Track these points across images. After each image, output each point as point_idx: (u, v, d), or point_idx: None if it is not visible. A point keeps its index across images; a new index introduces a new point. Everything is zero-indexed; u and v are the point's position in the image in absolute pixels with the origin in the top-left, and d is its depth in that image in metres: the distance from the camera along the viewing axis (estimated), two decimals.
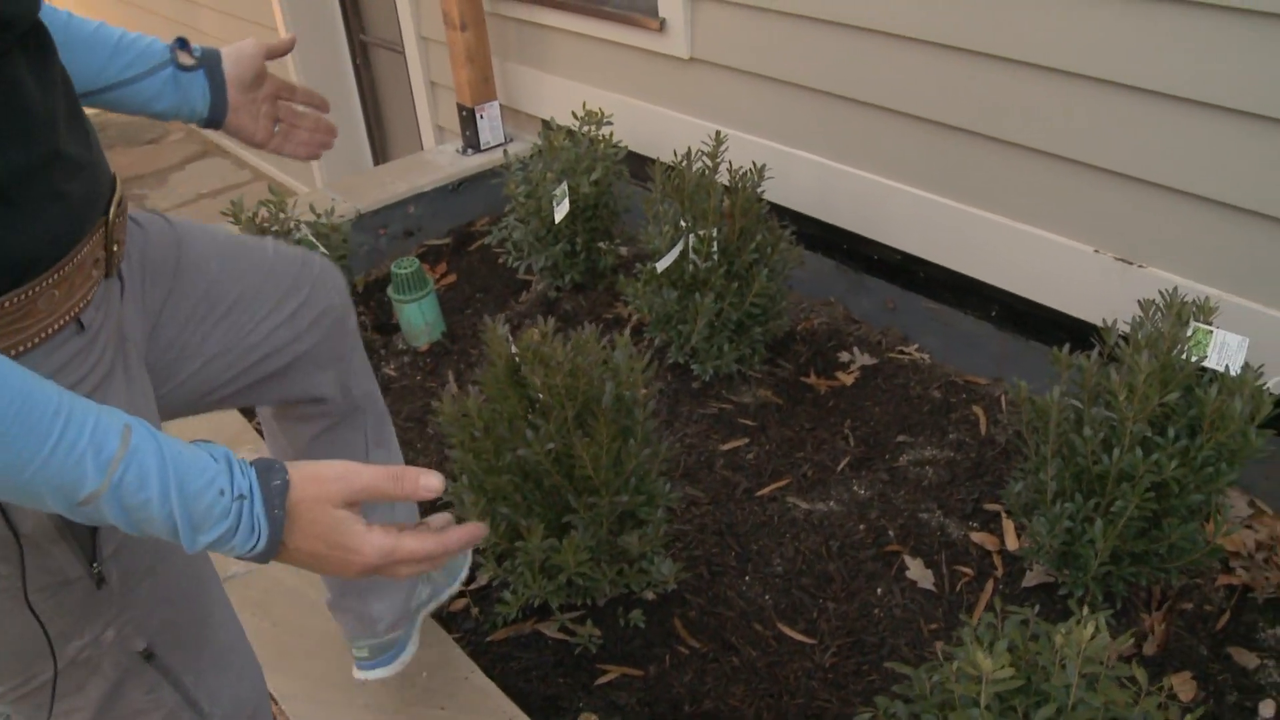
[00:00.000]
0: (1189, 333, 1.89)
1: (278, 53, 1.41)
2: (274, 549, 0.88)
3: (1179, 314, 1.93)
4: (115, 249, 1.02)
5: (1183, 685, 1.92)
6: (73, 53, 1.20)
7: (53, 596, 0.97)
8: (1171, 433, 1.83)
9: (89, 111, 1.06)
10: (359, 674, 1.90)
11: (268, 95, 1.40)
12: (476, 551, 2.24)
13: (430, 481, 0.93)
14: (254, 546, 0.86)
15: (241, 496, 0.85)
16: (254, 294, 1.35)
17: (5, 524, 0.90)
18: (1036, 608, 2.04)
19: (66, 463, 0.76)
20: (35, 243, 0.88)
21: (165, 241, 1.27)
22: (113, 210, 1.01)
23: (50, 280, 0.90)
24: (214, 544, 0.85)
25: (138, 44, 1.28)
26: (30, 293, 0.88)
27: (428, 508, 2.45)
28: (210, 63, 1.33)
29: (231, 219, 3.04)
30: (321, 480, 0.90)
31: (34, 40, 0.91)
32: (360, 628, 1.85)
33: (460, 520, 1.06)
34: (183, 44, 1.31)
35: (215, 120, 1.35)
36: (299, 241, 3.09)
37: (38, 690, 1.03)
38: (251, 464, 0.88)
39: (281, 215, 3.10)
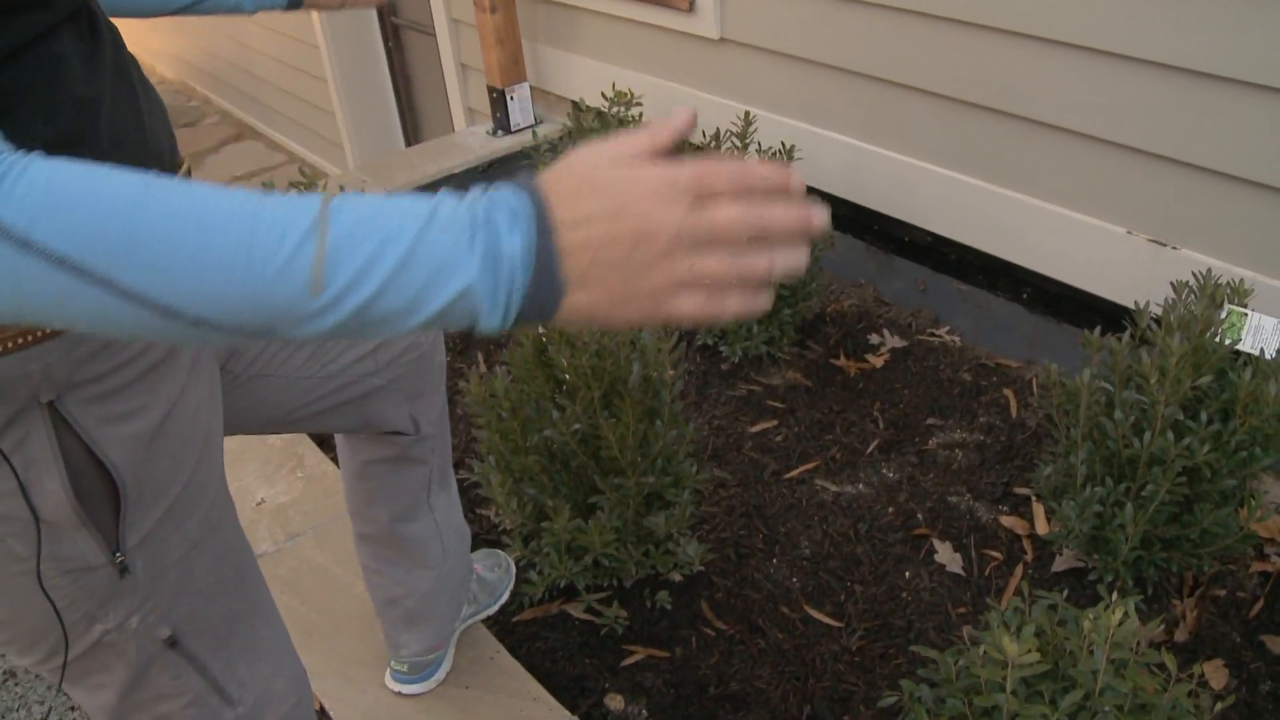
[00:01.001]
0: (1223, 315, 1.86)
1: None
2: (548, 234, 0.66)
3: (1212, 296, 1.90)
4: None
5: (1214, 673, 1.90)
6: None
7: (75, 581, 0.97)
8: (1204, 416, 1.81)
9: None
10: (392, 684, 1.94)
11: None
12: (503, 531, 2.25)
13: (683, 114, 0.74)
14: (523, 233, 0.66)
15: (478, 196, 0.68)
16: None
17: (26, 505, 0.91)
18: (1065, 592, 2.03)
19: (272, 241, 0.63)
20: None
21: None
22: None
23: None
24: (486, 263, 0.66)
25: None
26: None
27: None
28: None
29: None
30: (585, 151, 0.70)
31: (86, 23, 0.91)
32: (390, 649, 1.90)
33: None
34: None
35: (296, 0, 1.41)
36: None
37: (64, 666, 1.04)
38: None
39: None
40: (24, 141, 0.83)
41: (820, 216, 0.71)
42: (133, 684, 1.07)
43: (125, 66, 0.97)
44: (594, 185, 0.67)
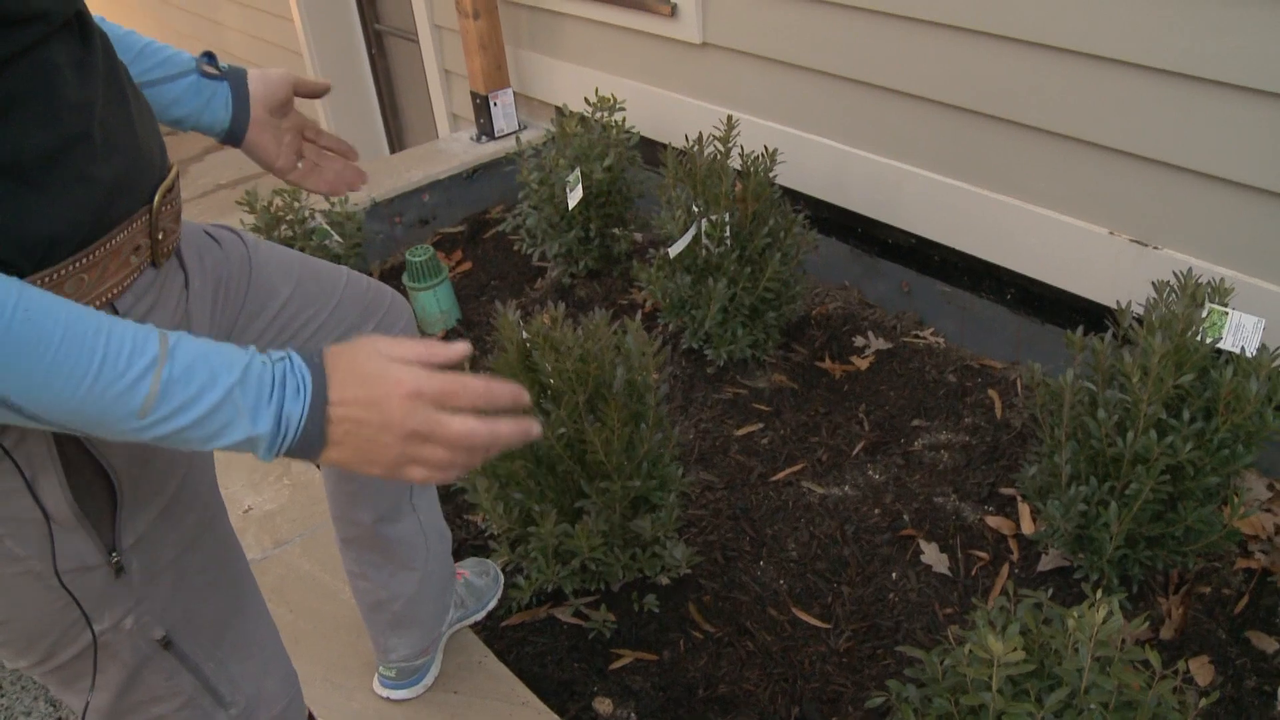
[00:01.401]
0: (1204, 314, 1.87)
1: (307, 90, 1.40)
2: (321, 406, 0.87)
3: (1194, 295, 1.92)
4: (160, 238, 1.02)
5: (1200, 669, 1.91)
6: None
7: (72, 581, 0.97)
8: (1186, 415, 1.82)
9: None
10: (380, 690, 1.93)
11: (293, 127, 1.39)
12: (490, 536, 2.25)
13: (460, 346, 0.95)
14: (302, 403, 0.86)
15: (280, 359, 0.88)
16: (320, 323, 1.38)
17: (35, 504, 0.91)
18: (1051, 591, 2.04)
19: (115, 371, 0.80)
20: (55, 224, 0.88)
21: (239, 259, 1.28)
22: (158, 198, 1.00)
23: (79, 264, 0.90)
24: (272, 419, 0.86)
25: (163, 51, 1.29)
26: (56, 275, 0.88)
27: (442, 498, 2.46)
28: (235, 78, 1.33)
29: (247, 208, 3.05)
30: (361, 343, 0.92)
31: (77, 29, 0.92)
32: (379, 654, 1.90)
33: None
34: (209, 58, 1.31)
35: (236, 133, 1.33)
36: (313, 231, 3.10)
37: (60, 668, 1.04)
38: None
39: (296, 204, 3.10)
40: (23, 145, 0.84)
41: (533, 431, 0.96)
42: (127, 685, 1.08)
43: (116, 72, 0.98)
44: (362, 377, 0.89)
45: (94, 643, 1.03)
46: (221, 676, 1.15)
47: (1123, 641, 1.38)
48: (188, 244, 1.19)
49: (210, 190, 6.44)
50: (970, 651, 1.38)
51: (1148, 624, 1.99)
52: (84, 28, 0.93)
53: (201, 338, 0.86)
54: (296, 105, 1.40)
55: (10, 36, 0.83)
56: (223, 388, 0.83)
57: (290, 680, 1.29)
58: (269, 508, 2.44)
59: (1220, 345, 1.86)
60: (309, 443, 0.87)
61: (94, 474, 0.96)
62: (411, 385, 0.89)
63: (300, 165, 1.41)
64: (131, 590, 1.02)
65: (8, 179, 0.78)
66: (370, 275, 3.56)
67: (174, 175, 1.05)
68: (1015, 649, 1.32)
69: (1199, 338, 1.86)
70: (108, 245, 0.94)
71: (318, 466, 1.46)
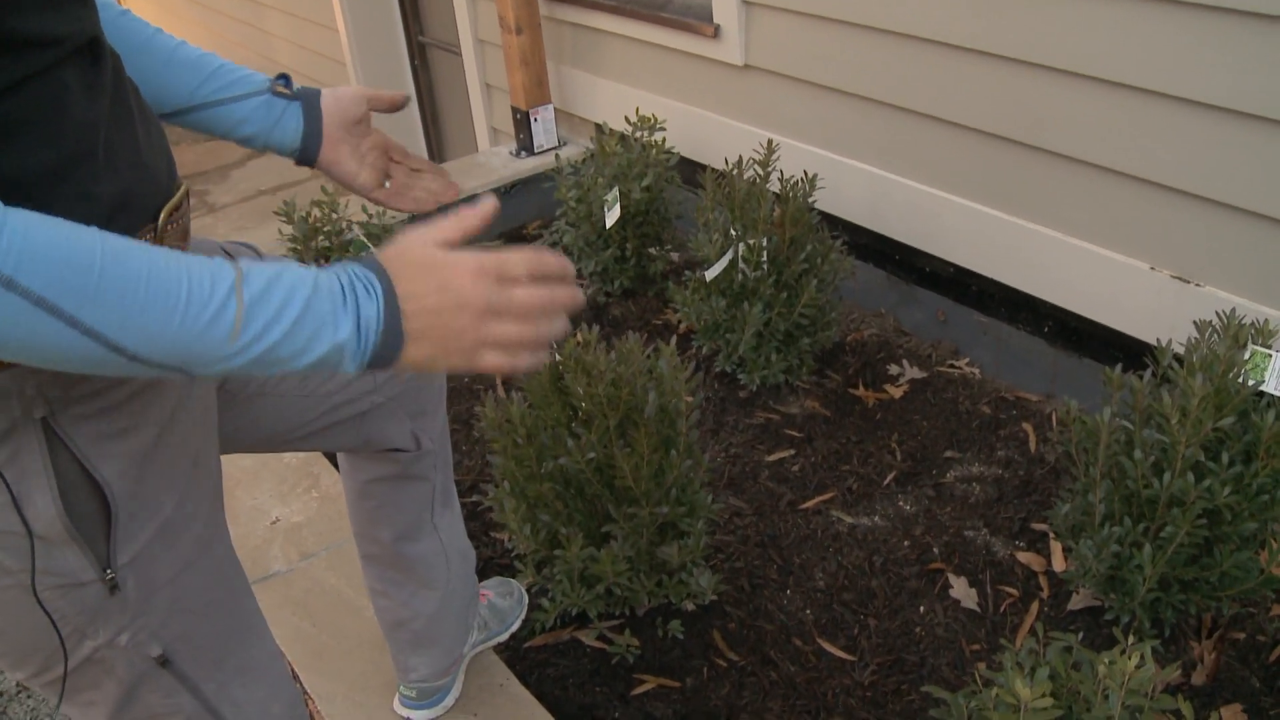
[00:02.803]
0: (1246, 355, 1.84)
1: (383, 104, 1.37)
2: (393, 301, 0.89)
3: (1236, 336, 1.89)
4: None
5: (1233, 718, 1.87)
6: (168, 71, 1.21)
7: (65, 596, 0.97)
8: (1225, 458, 1.79)
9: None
10: (400, 710, 1.93)
11: (376, 146, 1.37)
12: (515, 556, 2.25)
13: (487, 205, 0.98)
14: (376, 302, 0.88)
15: (342, 269, 0.89)
16: None
17: (19, 519, 0.92)
18: (1081, 634, 2.01)
19: (202, 299, 0.81)
20: None
21: None
22: (163, 217, 1.01)
23: None
24: (350, 322, 0.87)
25: (237, 72, 1.28)
26: None
27: (469, 515, 2.46)
28: (308, 97, 1.31)
29: (284, 218, 3.07)
30: (414, 235, 0.93)
31: (89, 52, 0.92)
32: (400, 673, 1.89)
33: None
34: (285, 79, 1.31)
35: (309, 151, 1.32)
36: (350, 243, 3.11)
37: (56, 681, 1.04)
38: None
39: (334, 215, 3.12)
40: (26, 165, 0.85)
41: (579, 297, 1.01)
42: (124, 702, 1.08)
43: (124, 92, 0.98)
44: (425, 266, 0.91)
45: (89, 658, 1.03)
46: (224, 699, 1.15)
47: (1154, 689, 1.35)
48: None
49: (251, 195, 6.50)
50: (997, 695, 1.36)
51: (1179, 670, 1.95)
52: (96, 49, 0.94)
53: (266, 260, 0.88)
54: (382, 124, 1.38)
55: (25, 60, 0.83)
56: (301, 299, 0.84)
57: (296, 704, 1.29)
58: (296, 519, 2.44)
59: (1262, 388, 1.83)
60: (390, 342, 0.89)
61: (89, 490, 0.96)
62: (474, 262, 0.92)
63: (388, 184, 1.39)
64: (127, 608, 1.02)
65: (8, 196, 0.78)
66: None
67: (182, 194, 1.06)
68: (1043, 694, 1.30)
69: (1240, 380, 1.83)
70: None
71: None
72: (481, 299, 0.91)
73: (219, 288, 0.81)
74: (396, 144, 1.41)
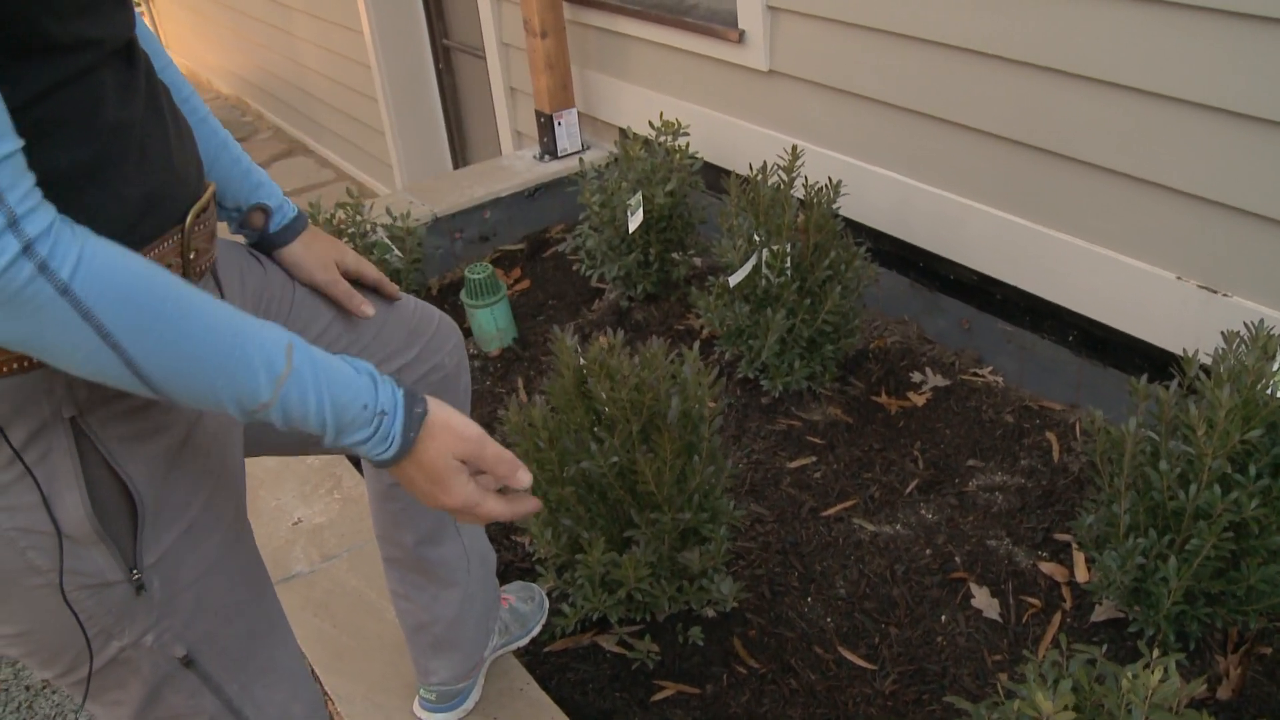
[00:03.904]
0: (1275, 367, 1.83)
1: (354, 274, 1.41)
2: (397, 462, 1.02)
3: (1264, 347, 1.87)
4: (193, 257, 1.03)
5: None
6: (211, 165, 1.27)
7: (93, 596, 0.98)
8: (1253, 471, 1.78)
9: None
10: (419, 712, 1.93)
11: (337, 269, 1.39)
12: (537, 560, 2.25)
13: (524, 476, 1.09)
14: (384, 453, 1.00)
15: (383, 413, 0.99)
16: (361, 346, 1.38)
17: (49, 518, 0.92)
18: (1105, 646, 1.99)
19: (243, 375, 0.89)
20: None
21: (280, 280, 1.30)
22: (190, 218, 1.02)
23: None
24: (353, 445, 0.98)
25: (250, 173, 1.33)
26: None
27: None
28: (298, 217, 1.37)
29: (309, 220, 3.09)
30: (455, 434, 1.04)
31: (124, 53, 0.93)
32: (420, 676, 1.89)
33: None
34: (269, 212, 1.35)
35: (271, 238, 1.35)
36: (374, 245, 3.12)
37: (82, 681, 1.05)
38: (399, 386, 1.01)
39: (358, 218, 3.13)
40: (59, 162, 0.86)
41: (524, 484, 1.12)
42: (148, 701, 1.08)
43: (156, 93, 1.00)
44: (435, 469, 1.04)
45: (115, 658, 1.04)
46: (246, 700, 1.15)
47: (1179, 703, 1.34)
48: (228, 263, 1.21)
49: None
50: (1019, 707, 1.35)
51: (1205, 684, 1.94)
52: (131, 52, 0.95)
53: (320, 351, 0.97)
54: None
55: (64, 63, 0.85)
56: (325, 414, 0.95)
57: (318, 706, 1.30)
58: (319, 520, 2.45)
59: None
60: (395, 455, 1.01)
61: (117, 492, 0.97)
62: (453, 504, 1.06)
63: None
64: (152, 608, 1.03)
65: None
66: (429, 290, 3.59)
67: (209, 195, 1.07)
68: (1065, 707, 1.29)
69: (1269, 391, 1.81)
70: None
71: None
72: (456, 507, 1.06)
73: (260, 375, 0.90)
74: (361, 270, 1.43)
